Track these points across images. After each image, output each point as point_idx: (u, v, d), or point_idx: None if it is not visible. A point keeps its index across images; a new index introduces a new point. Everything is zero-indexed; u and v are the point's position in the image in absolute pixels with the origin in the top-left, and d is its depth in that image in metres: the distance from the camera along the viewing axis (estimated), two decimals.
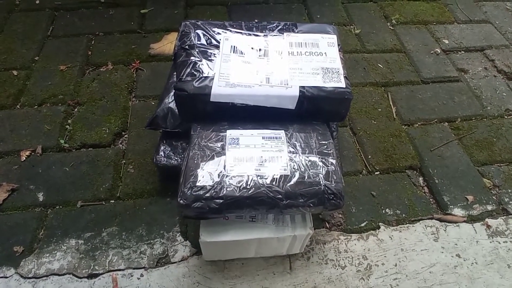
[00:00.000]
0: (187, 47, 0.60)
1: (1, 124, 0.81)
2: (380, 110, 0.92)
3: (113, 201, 0.72)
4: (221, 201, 0.49)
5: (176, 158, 0.67)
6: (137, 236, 0.67)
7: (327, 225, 0.71)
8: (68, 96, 0.87)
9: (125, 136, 0.82)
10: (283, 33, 0.64)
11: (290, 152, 0.54)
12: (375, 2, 1.20)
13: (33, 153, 0.77)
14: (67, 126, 0.82)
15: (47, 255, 0.64)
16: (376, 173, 0.80)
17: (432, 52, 1.07)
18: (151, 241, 0.67)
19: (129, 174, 0.75)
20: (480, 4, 1.24)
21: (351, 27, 1.11)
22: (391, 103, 0.93)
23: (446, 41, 1.10)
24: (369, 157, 0.82)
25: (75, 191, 0.72)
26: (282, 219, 0.56)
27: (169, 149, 0.68)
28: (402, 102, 0.94)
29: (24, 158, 0.76)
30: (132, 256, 0.65)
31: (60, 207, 0.71)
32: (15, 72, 0.91)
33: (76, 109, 0.86)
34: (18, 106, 0.85)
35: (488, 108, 0.95)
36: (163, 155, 0.68)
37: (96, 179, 0.74)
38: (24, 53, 0.96)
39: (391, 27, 1.13)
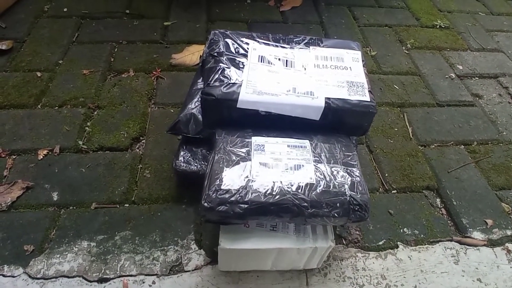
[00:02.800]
0: (215, 54, 0.61)
1: (21, 123, 0.82)
2: (396, 129, 0.92)
3: (127, 205, 0.71)
4: (246, 206, 0.48)
5: (196, 164, 0.67)
6: (150, 242, 0.65)
7: (344, 241, 0.70)
8: (89, 99, 0.88)
9: (143, 141, 0.82)
10: (309, 47, 0.66)
11: (315, 161, 0.54)
12: (390, 27, 1.24)
13: (50, 153, 0.77)
14: (86, 128, 0.83)
15: (58, 256, 0.63)
16: (393, 191, 0.79)
17: (446, 76, 1.08)
18: (165, 247, 0.65)
19: (145, 178, 0.75)
20: (492, 33, 1.28)
21: (367, 49, 1.14)
22: (407, 124, 0.94)
23: (460, 67, 1.12)
24: (386, 175, 0.82)
25: (90, 192, 0.72)
26: (303, 229, 0.55)
27: (189, 154, 0.68)
28: (418, 123, 0.94)
29: (41, 157, 0.76)
30: (145, 262, 0.63)
31: (74, 207, 0.70)
32: (38, 74, 0.93)
33: (95, 112, 0.86)
34: (39, 106, 0.86)
35: (504, 133, 0.95)
36: (182, 160, 0.67)
37: (112, 182, 0.73)
38: (49, 56, 0.98)
39: (406, 51, 1.15)
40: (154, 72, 0.97)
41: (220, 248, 0.53)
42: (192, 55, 1.01)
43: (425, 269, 0.67)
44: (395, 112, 0.96)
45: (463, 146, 0.90)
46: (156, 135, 0.83)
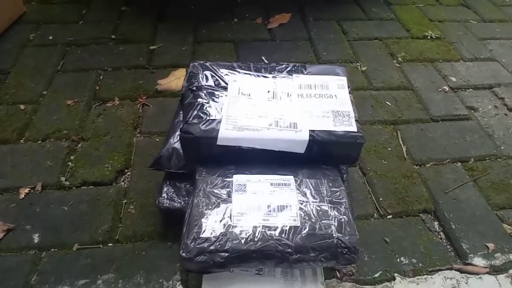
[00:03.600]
0: (194, 88, 0.59)
1: (3, 160, 0.80)
2: (390, 149, 0.89)
3: (111, 244, 0.68)
4: (226, 254, 0.46)
5: (180, 201, 0.64)
6: (134, 285, 0.62)
7: (338, 275, 0.66)
8: (73, 131, 0.86)
9: (128, 173, 0.80)
10: (292, 75, 0.64)
11: (300, 201, 0.51)
12: (380, 40, 1.22)
13: (32, 191, 0.75)
14: (69, 163, 0.80)
15: None
16: (388, 216, 0.76)
17: (440, 89, 1.06)
18: None
19: (129, 214, 0.72)
20: (485, 42, 1.25)
21: (357, 64, 1.12)
22: (401, 142, 0.91)
23: (454, 79, 1.10)
24: (380, 199, 0.79)
25: (72, 232, 0.69)
26: (291, 272, 0.52)
27: (173, 190, 0.66)
28: (412, 141, 0.91)
29: (23, 196, 0.74)
30: None
31: (56, 250, 0.67)
32: (22, 107, 0.91)
33: (79, 145, 0.84)
34: (22, 140, 0.84)
35: (502, 147, 0.92)
36: (165, 197, 0.65)
37: (95, 219, 0.71)
38: (33, 87, 0.96)
39: (397, 65, 1.13)
40: (139, 99, 0.95)
41: None
42: (178, 80, 0.99)
43: None
44: (388, 130, 0.94)
45: (459, 164, 0.87)
46: (141, 167, 0.80)
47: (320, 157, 0.58)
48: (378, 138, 0.91)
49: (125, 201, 0.74)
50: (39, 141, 0.84)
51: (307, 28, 1.24)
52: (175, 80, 0.99)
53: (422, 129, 0.94)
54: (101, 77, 1.01)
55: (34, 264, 0.65)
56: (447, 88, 1.06)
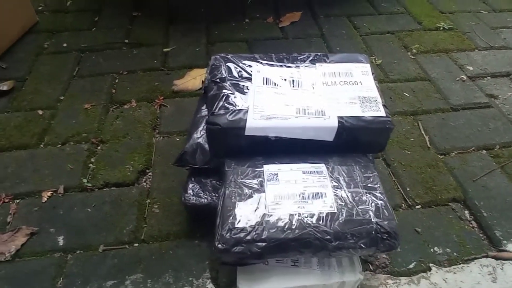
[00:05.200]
0: (218, 80, 0.59)
1: (24, 164, 0.80)
2: (412, 139, 0.87)
3: (137, 245, 0.67)
4: (263, 244, 0.44)
5: (206, 197, 0.63)
6: (163, 284, 0.61)
7: (371, 267, 0.64)
8: (92, 134, 0.86)
9: (149, 174, 0.79)
10: (315, 64, 0.63)
11: (333, 187, 0.50)
12: (392, 34, 1.21)
13: (54, 194, 0.74)
14: (90, 165, 0.80)
15: None
16: (417, 207, 0.74)
17: (457, 79, 1.04)
18: None
19: (154, 214, 0.71)
20: (498, 31, 1.24)
21: (372, 58, 1.11)
22: (423, 132, 0.89)
23: (471, 68, 1.08)
24: (407, 189, 0.77)
25: (97, 234, 0.68)
26: (327, 262, 0.51)
27: (198, 187, 0.64)
28: (434, 130, 0.89)
29: (46, 199, 0.73)
30: None
31: (81, 252, 0.66)
32: (40, 112, 0.92)
33: (99, 147, 0.84)
34: (41, 145, 0.84)
35: None
36: (191, 193, 0.64)
37: (119, 220, 0.70)
38: (50, 93, 0.97)
39: (412, 57, 1.12)
40: (156, 101, 0.95)
41: None
42: (194, 79, 0.99)
43: None
44: (408, 121, 0.92)
45: (485, 151, 0.85)
46: (162, 167, 0.80)
47: (349, 144, 0.56)
48: (400, 129, 0.90)
49: (149, 201, 0.74)
50: (59, 145, 0.84)
51: (319, 25, 1.23)
52: (191, 80, 0.99)
53: (443, 119, 0.93)
54: (116, 81, 1.01)
55: (60, 267, 0.64)
56: (464, 77, 1.05)
